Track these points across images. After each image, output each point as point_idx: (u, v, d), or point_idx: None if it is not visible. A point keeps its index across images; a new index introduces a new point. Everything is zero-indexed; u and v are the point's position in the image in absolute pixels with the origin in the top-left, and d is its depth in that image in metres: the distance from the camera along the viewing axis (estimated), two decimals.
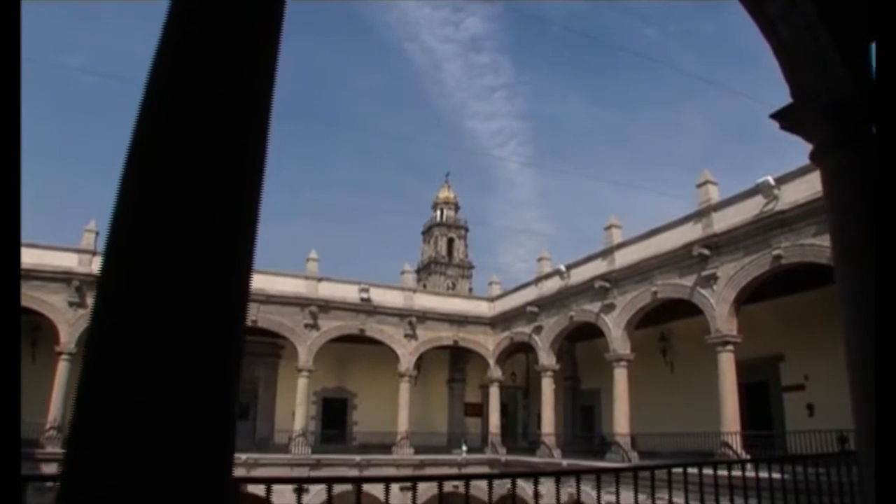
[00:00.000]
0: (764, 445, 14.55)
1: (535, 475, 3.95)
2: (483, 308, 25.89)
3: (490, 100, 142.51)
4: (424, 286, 60.58)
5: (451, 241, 66.81)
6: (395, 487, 3.43)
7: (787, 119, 4.45)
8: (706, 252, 15.01)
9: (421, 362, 26.48)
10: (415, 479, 3.63)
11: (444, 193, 68.79)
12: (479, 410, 27.06)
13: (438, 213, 68.02)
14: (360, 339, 23.70)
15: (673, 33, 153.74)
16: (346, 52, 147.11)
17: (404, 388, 23.33)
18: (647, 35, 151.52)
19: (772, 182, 13.63)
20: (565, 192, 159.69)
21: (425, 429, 25.13)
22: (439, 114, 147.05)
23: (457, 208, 68.90)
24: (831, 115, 4.18)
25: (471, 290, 56.90)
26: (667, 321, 19.66)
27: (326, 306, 22.73)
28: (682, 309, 16.75)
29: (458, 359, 27.65)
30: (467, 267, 65.18)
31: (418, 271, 67.36)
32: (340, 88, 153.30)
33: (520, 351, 25.30)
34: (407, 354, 23.64)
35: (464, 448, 24.44)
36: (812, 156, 4.36)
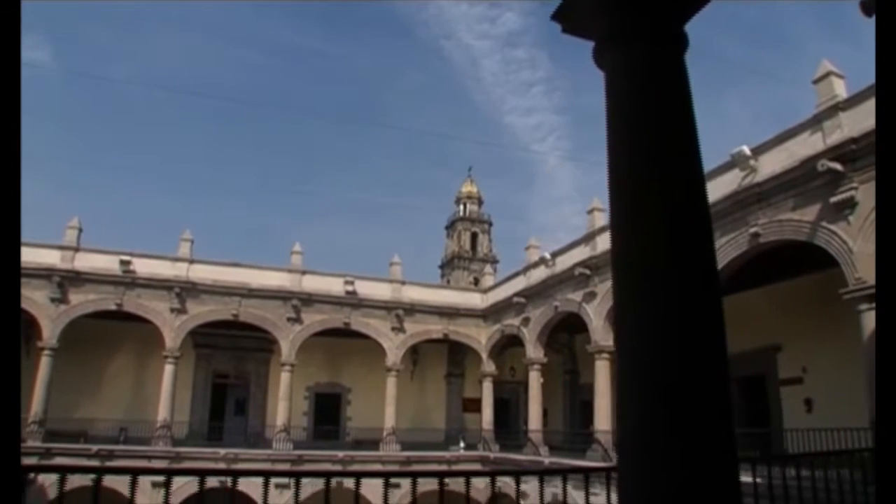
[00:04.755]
0: (760, 444, 13.23)
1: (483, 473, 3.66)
2: (475, 300, 24.85)
3: (528, 95, 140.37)
4: (448, 281, 59.71)
5: (474, 236, 65.87)
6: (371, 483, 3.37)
7: (568, 18, 3.41)
8: None
9: (417, 356, 25.71)
10: (359, 475, 3.44)
11: (467, 188, 67.84)
12: (479, 406, 26.01)
13: (461, 207, 67.17)
14: (353, 333, 23.10)
15: (714, 20, 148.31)
16: (385, 51, 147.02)
17: (391, 382, 22.58)
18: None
19: (747, 152, 12.27)
20: (605, 186, 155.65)
21: (422, 425, 24.39)
22: (478, 110, 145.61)
23: (480, 202, 67.87)
24: (612, 4, 3.15)
25: None
26: None
27: (310, 300, 22.19)
28: None
29: (457, 353, 26.69)
30: (491, 261, 63.97)
31: (442, 266, 66.67)
32: (380, 88, 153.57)
33: (519, 344, 24.19)
34: (394, 348, 22.85)
35: (461, 444, 23.55)
36: (594, 56, 3.34)
